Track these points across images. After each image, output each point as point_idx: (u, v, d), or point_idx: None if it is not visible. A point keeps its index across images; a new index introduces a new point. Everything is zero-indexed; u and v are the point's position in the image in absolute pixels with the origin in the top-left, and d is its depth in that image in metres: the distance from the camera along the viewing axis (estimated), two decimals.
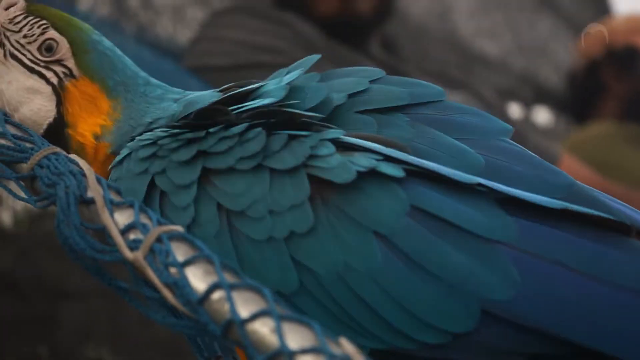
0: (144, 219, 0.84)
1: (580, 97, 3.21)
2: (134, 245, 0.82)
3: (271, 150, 0.95)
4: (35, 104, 1.10)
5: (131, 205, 0.86)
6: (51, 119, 1.10)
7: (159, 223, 0.83)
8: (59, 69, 1.10)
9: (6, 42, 1.10)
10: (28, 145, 0.94)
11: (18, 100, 1.09)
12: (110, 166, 1.03)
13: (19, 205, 2.82)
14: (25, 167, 0.92)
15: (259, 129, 0.97)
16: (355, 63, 2.02)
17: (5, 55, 1.10)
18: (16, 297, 2.87)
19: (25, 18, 1.11)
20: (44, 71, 1.10)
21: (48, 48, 1.10)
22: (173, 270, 0.78)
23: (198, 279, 0.76)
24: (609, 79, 3.08)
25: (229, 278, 0.75)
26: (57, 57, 1.10)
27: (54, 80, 1.10)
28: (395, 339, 0.89)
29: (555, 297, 0.88)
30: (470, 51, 4.65)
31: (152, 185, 0.97)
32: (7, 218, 2.97)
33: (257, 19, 1.98)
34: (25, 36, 1.10)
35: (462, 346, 0.89)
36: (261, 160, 0.95)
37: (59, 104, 1.10)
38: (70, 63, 1.11)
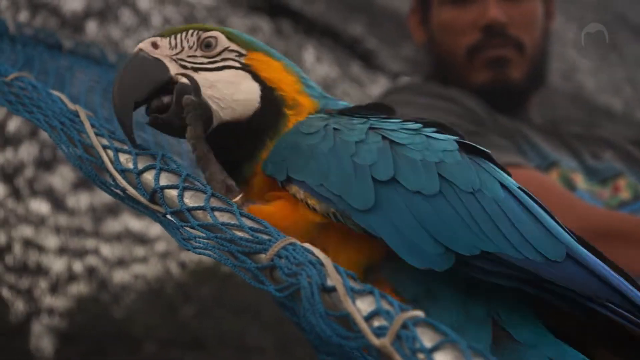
0: (385, 306, 0.80)
1: None
2: (379, 332, 0.78)
3: (427, 130, 1.12)
4: (243, 86, 1.15)
5: (370, 292, 0.83)
6: (260, 90, 1.16)
7: (401, 309, 0.79)
8: (230, 55, 1.17)
9: (184, 64, 1.16)
10: (265, 237, 0.92)
11: (228, 93, 1.14)
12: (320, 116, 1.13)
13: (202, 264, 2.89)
14: (264, 257, 0.90)
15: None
16: (515, 131, 1.96)
17: (193, 71, 1.15)
18: (200, 351, 2.90)
19: (175, 38, 1.17)
20: (224, 63, 1.17)
21: (207, 45, 1.17)
22: (421, 356, 0.74)
23: None
24: None
25: None
26: (222, 47, 1.17)
27: (236, 64, 1.17)
28: (506, 248, 1.02)
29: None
30: (596, 105, 4.54)
31: (326, 127, 1.09)
32: (189, 276, 3.02)
33: (425, 97, 1.95)
34: (190, 48, 1.16)
35: (550, 269, 1.02)
36: (419, 130, 1.11)
37: (255, 78, 1.16)
38: (234, 46, 1.17)
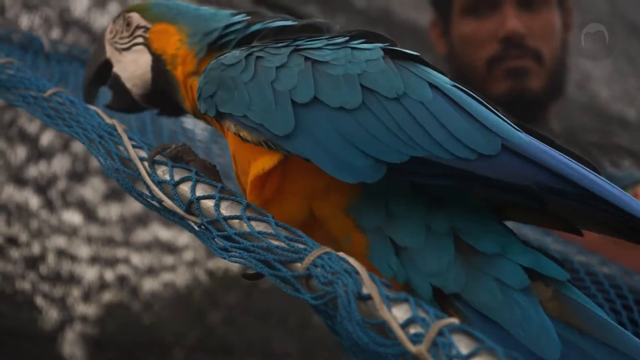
0: (421, 313, 0.79)
1: None
2: (415, 339, 0.76)
3: (353, 42, 1.09)
4: (141, 61, 1.24)
5: (406, 300, 0.81)
6: (150, 62, 1.23)
7: (437, 317, 0.78)
8: (139, 32, 1.25)
9: (116, 46, 1.27)
10: (301, 246, 0.91)
11: (131, 70, 1.25)
12: (220, 55, 1.11)
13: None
14: (300, 266, 0.89)
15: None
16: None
17: (118, 53, 1.27)
18: (227, 356, 2.90)
19: (114, 23, 1.28)
20: (134, 41, 1.25)
21: (128, 24, 1.26)
22: None
23: None
24: None
25: None
26: (135, 25, 1.25)
27: (140, 39, 1.25)
28: (435, 150, 0.98)
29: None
30: (610, 114, 4.49)
31: (249, 56, 1.07)
32: (216, 284, 3.02)
33: None
34: (120, 31, 1.27)
35: (484, 164, 0.97)
36: (345, 44, 1.08)
37: (150, 51, 1.23)
38: (143, 22, 1.25)
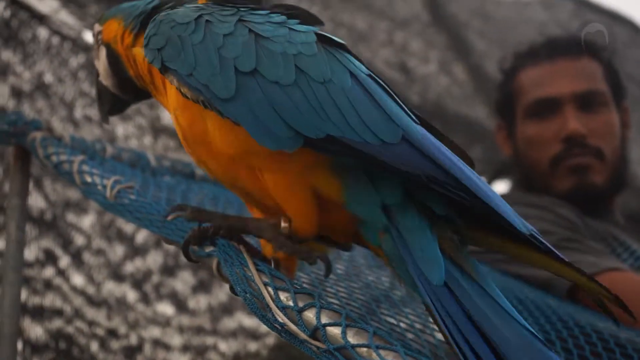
0: None
1: None
2: None
3: (290, 22, 1.13)
4: (102, 58, 1.30)
5: None
6: (105, 52, 1.29)
7: None
8: (99, 36, 1.31)
9: (95, 60, 1.33)
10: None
11: (100, 69, 1.31)
12: (160, 14, 1.15)
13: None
14: None
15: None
16: (606, 233, 1.87)
17: (97, 62, 1.32)
18: None
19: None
20: (98, 45, 1.31)
21: (94, 36, 1.32)
22: None
23: None
24: None
25: None
26: (96, 33, 1.31)
27: (100, 41, 1.30)
28: (348, 132, 1.04)
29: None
30: None
31: (199, 18, 1.11)
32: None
33: (519, 206, 1.87)
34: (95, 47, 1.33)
35: (386, 151, 1.04)
36: (283, 23, 1.12)
37: (104, 45, 1.29)
38: (98, 27, 1.31)
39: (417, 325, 1.37)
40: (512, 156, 2.11)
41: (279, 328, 1.02)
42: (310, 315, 0.98)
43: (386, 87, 1.12)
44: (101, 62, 1.31)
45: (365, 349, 0.92)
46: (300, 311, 0.99)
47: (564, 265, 1.07)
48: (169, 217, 1.20)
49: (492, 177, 3.67)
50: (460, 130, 3.71)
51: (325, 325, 0.96)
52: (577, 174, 1.96)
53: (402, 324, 1.37)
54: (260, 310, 1.04)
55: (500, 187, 3.71)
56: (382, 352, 0.90)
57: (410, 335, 1.32)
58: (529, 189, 2.03)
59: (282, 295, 1.02)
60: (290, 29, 1.11)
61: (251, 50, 1.08)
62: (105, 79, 1.32)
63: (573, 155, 1.96)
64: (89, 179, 1.42)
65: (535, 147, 2.01)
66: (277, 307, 1.01)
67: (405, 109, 1.11)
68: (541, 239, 1.06)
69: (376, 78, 1.12)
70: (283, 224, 1.10)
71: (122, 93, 1.32)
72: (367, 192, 1.08)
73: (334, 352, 0.94)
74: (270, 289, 1.03)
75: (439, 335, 1.24)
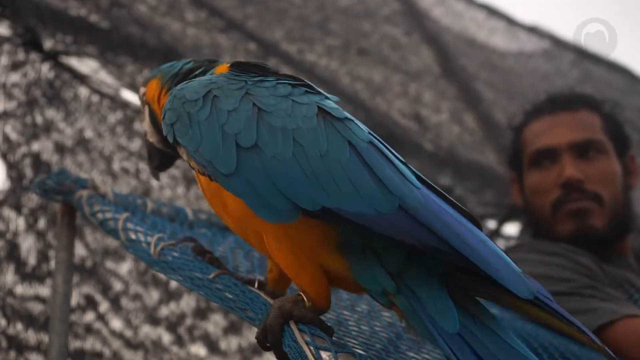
0: None
1: None
2: None
3: (296, 93, 1.11)
4: (145, 116, 1.32)
5: None
6: (147, 110, 1.31)
7: None
8: (143, 97, 1.32)
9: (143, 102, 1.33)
10: None
11: (145, 127, 1.32)
12: (177, 86, 1.17)
13: None
14: None
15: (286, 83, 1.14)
16: (622, 279, 1.84)
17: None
18: None
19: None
20: (143, 106, 1.33)
21: (140, 98, 1.34)
22: None
23: None
24: None
25: None
26: (141, 95, 1.33)
27: (144, 101, 1.32)
28: (343, 203, 1.02)
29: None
30: None
31: (207, 94, 1.11)
32: None
33: (536, 254, 1.85)
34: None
35: (379, 220, 1.02)
36: (288, 95, 1.11)
37: (147, 104, 1.31)
38: (142, 89, 1.32)
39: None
40: (523, 206, 2.10)
41: None
42: None
43: (389, 152, 1.10)
44: (145, 121, 1.33)
45: None
46: None
47: (569, 325, 1.04)
48: (211, 276, 1.19)
49: (502, 220, 3.63)
50: (472, 176, 3.69)
51: None
52: (577, 218, 1.95)
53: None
54: None
55: (511, 229, 3.66)
56: None
57: None
58: (536, 235, 2.02)
59: (324, 354, 1.00)
60: (293, 101, 1.11)
61: (253, 126, 1.07)
62: (151, 137, 1.32)
63: (572, 200, 1.95)
64: (133, 236, 1.41)
65: (538, 195, 2.01)
66: None
67: (408, 173, 1.09)
68: (546, 301, 1.03)
69: (378, 145, 1.10)
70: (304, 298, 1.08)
71: (167, 148, 1.31)
72: (373, 266, 1.07)
73: None
74: (312, 348, 1.01)
75: None
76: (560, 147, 1.98)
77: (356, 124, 1.12)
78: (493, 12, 5.44)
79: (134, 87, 2.97)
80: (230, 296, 1.17)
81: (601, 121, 2.06)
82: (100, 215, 1.53)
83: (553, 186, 1.97)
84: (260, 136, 1.06)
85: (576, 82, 5.26)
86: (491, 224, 3.66)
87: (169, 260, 1.31)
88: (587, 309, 1.64)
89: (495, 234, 3.59)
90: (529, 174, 2.04)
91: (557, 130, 2.01)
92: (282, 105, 1.09)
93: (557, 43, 5.62)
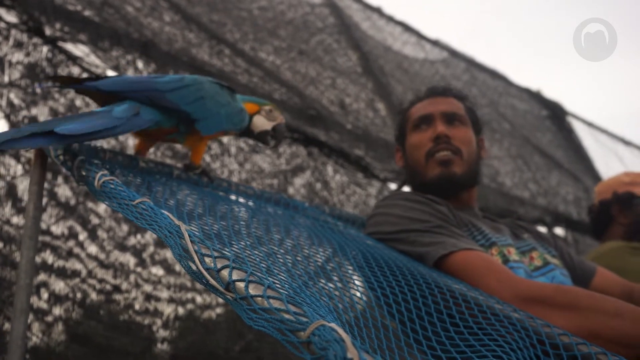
0: None
1: (597, 225, 2.92)
2: None
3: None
4: None
5: None
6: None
7: None
8: None
9: None
10: (304, 319, 0.83)
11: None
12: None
13: None
14: (303, 334, 0.81)
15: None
16: (469, 221, 1.86)
17: None
18: None
19: None
20: None
21: None
22: None
23: None
24: (615, 212, 2.81)
25: None
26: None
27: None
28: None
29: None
30: (512, 196, 4.42)
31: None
32: None
33: (408, 201, 1.86)
34: None
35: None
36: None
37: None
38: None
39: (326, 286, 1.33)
40: (403, 165, 2.10)
41: (205, 282, 0.99)
42: (225, 273, 0.95)
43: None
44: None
45: (260, 299, 0.89)
46: (218, 271, 0.95)
47: None
48: (135, 203, 1.16)
49: (402, 184, 3.64)
50: (380, 148, 3.70)
51: (234, 281, 0.93)
52: (442, 165, 1.96)
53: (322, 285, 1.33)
54: (193, 271, 1.00)
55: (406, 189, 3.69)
56: (271, 300, 0.87)
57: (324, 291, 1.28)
58: (411, 183, 2.04)
59: (207, 259, 0.98)
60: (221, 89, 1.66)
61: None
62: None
63: (440, 149, 1.96)
64: (84, 173, 1.37)
65: (417, 149, 2.01)
66: (203, 268, 0.97)
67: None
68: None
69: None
70: None
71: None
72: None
73: (239, 301, 0.91)
74: (198, 254, 0.99)
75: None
76: (434, 114, 1.99)
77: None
78: (407, 28, 5.43)
79: (117, 69, 2.87)
80: (150, 216, 1.14)
81: (464, 107, 2.08)
82: (61, 157, 1.48)
83: (428, 141, 1.98)
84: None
85: (465, 84, 5.31)
86: (393, 186, 3.68)
87: (107, 191, 1.28)
88: (435, 242, 1.65)
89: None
90: (411, 136, 2.04)
91: (432, 104, 2.03)
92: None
93: (454, 54, 5.66)
